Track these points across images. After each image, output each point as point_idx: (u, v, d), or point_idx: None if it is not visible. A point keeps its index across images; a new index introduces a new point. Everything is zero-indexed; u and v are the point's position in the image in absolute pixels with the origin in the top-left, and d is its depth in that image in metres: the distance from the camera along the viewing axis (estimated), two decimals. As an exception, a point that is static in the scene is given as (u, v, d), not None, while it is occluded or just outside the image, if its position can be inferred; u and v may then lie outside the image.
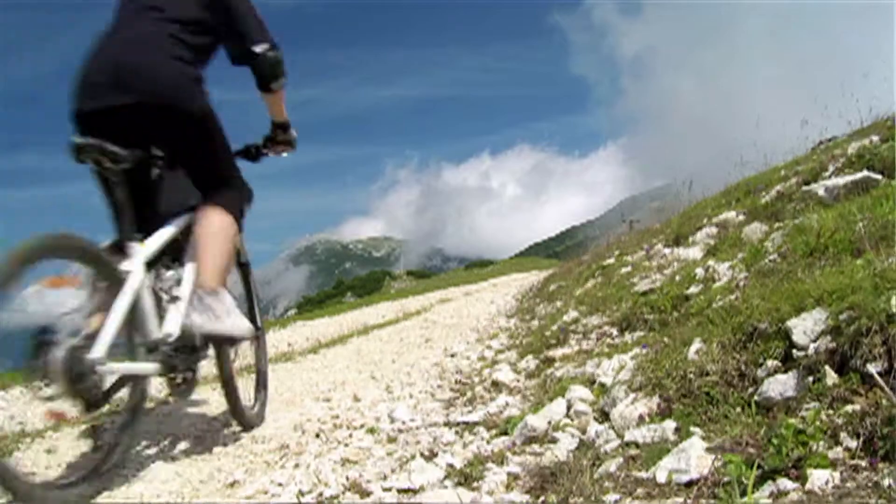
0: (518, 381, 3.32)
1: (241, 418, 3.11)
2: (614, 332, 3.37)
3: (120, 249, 2.38)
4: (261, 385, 3.43)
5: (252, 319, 3.20)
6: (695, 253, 4.20)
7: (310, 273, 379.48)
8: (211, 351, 2.85)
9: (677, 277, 3.56)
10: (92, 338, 2.13)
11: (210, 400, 4.20)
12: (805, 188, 3.81)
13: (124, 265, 2.33)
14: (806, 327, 1.64)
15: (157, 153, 2.52)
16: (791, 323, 1.69)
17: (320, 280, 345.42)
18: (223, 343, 2.78)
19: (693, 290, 3.20)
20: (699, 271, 3.38)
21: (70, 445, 3.14)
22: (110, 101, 2.38)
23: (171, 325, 2.47)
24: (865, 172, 3.36)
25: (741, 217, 5.37)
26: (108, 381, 2.20)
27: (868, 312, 1.47)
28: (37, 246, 2.07)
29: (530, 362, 3.65)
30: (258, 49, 2.60)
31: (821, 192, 3.47)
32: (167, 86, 2.42)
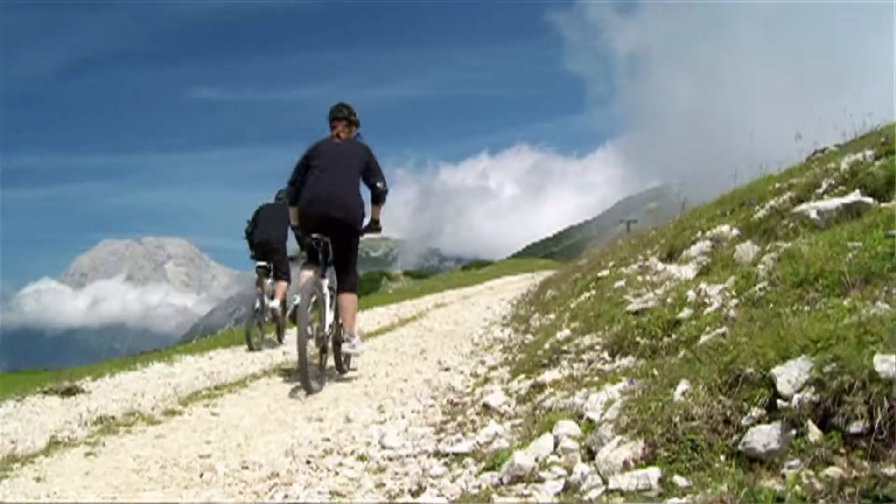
0: (509, 405, 3.32)
1: (342, 371, 5.74)
2: (605, 355, 3.36)
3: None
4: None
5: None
6: (687, 272, 4.20)
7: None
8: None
9: (669, 299, 3.56)
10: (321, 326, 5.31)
11: (206, 421, 4.18)
12: (797, 209, 3.80)
13: (324, 290, 5.32)
14: (791, 376, 1.64)
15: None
16: (776, 371, 1.68)
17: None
18: (349, 356, 5.80)
19: (684, 314, 3.20)
20: (691, 294, 3.38)
21: (60, 472, 3.13)
22: (331, 214, 5.23)
23: (332, 319, 5.43)
24: (857, 196, 3.36)
25: (735, 232, 5.38)
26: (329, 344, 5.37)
27: (851, 368, 1.47)
28: (311, 282, 5.18)
29: (522, 384, 3.65)
30: (379, 185, 5.54)
31: (813, 214, 3.47)
32: (355, 216, 5.39)
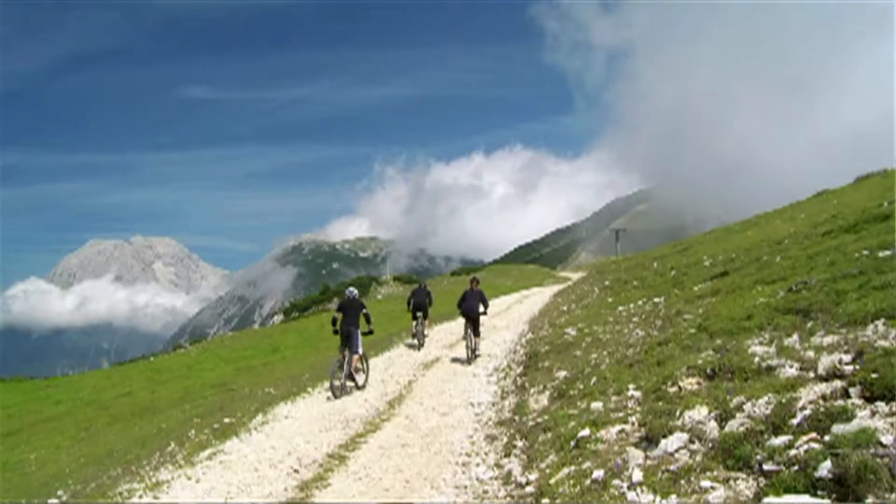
0: None
1: (472, 356, 16.10)
2: None
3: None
4: (477, 348, 16.47)
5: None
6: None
7: (297, 274, 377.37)
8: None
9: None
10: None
11: None
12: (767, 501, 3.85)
13: (471, 337, 16.23)
14: None
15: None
16: None
17: (307, 280, 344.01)
18: (477, 348, 16.39)
19: None
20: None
21: None
22: (470, 314, 16.20)
23: (473, 346, 16.49)
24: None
25: (712, 426, 5.44)
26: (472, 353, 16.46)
27: None
28: (468, 335, 16.12)
29: None
30: (487, 304, 16.89)
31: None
32: (477, 314, 16.25)
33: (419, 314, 19.65)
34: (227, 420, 13.39)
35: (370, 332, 14.54)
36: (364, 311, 14.07)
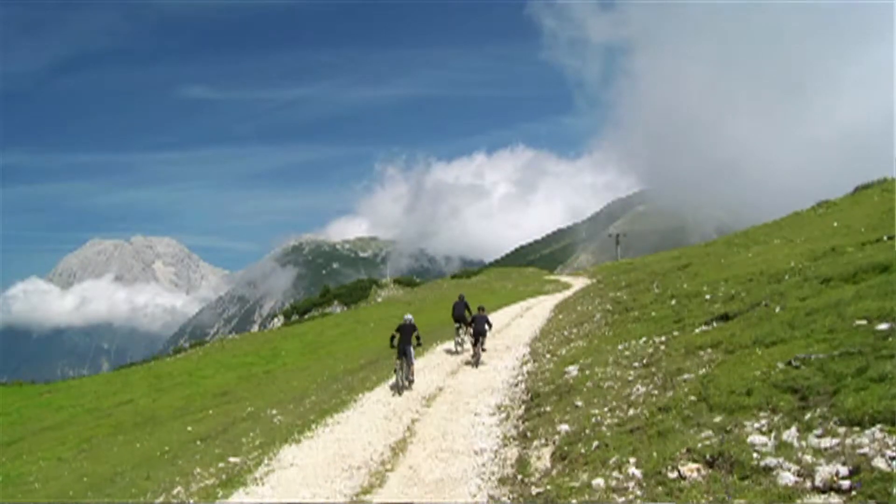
0: None
1: (478, 360, 20.96)
2: None
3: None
4: (480, 356, 21.25)
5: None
6: None
7: (297, 274, 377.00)
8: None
9: None
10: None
11: None
12: None
13: (478, 344, 21.25)
14: None
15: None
16: None
17: (307, 281, 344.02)
18: (479, 357, 21.16)
19: None
20: None
21: None
22: (480, 329, 21.29)
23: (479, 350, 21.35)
24: None
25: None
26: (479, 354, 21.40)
27: None
28: (478, 344, 21.42)
29: None
30: (491, 323, 22.30)
31: None
32: (485, 329, 21.34)
33: (458, 325, 24.44)
34: (231, 459, 13.52)
35: (419, 345, 19.80)
36: (416, 332, 18.87)
